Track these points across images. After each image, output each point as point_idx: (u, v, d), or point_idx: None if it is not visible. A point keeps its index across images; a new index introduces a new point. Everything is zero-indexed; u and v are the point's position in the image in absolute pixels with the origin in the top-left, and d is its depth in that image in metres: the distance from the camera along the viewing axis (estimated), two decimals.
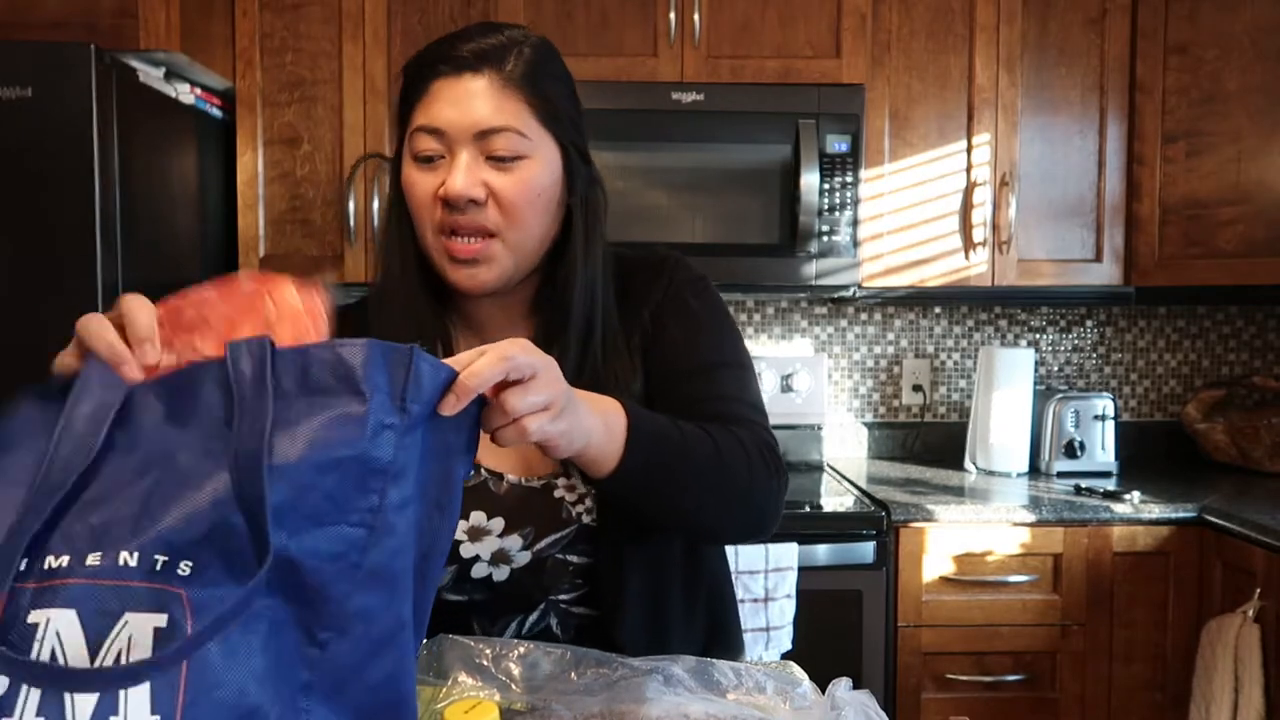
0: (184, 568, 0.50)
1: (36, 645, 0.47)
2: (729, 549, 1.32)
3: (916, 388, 2.72)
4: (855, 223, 2.23)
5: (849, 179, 2.21)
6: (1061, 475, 2.42)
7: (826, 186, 2.20)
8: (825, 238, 2.21)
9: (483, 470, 0.96)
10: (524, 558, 0.95)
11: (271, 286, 0.69)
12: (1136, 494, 2.11)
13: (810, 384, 2.56)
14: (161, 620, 0.49)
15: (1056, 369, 2.74)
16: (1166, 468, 2.54)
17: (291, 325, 0.68)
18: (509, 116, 0.90)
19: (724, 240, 2.19)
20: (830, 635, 2.00)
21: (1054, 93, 2.36)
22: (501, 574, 0.95)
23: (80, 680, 0.46)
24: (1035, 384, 2.54)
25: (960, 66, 2.33)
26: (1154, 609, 2.08)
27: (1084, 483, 2.29)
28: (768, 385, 2.54)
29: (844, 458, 2.69)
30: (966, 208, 2.35)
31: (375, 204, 2.23)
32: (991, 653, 2.07)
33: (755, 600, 1.90)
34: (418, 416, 0.58)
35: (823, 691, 0.71)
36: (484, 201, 0.90)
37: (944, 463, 2.58)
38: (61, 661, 0.47)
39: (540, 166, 0.92)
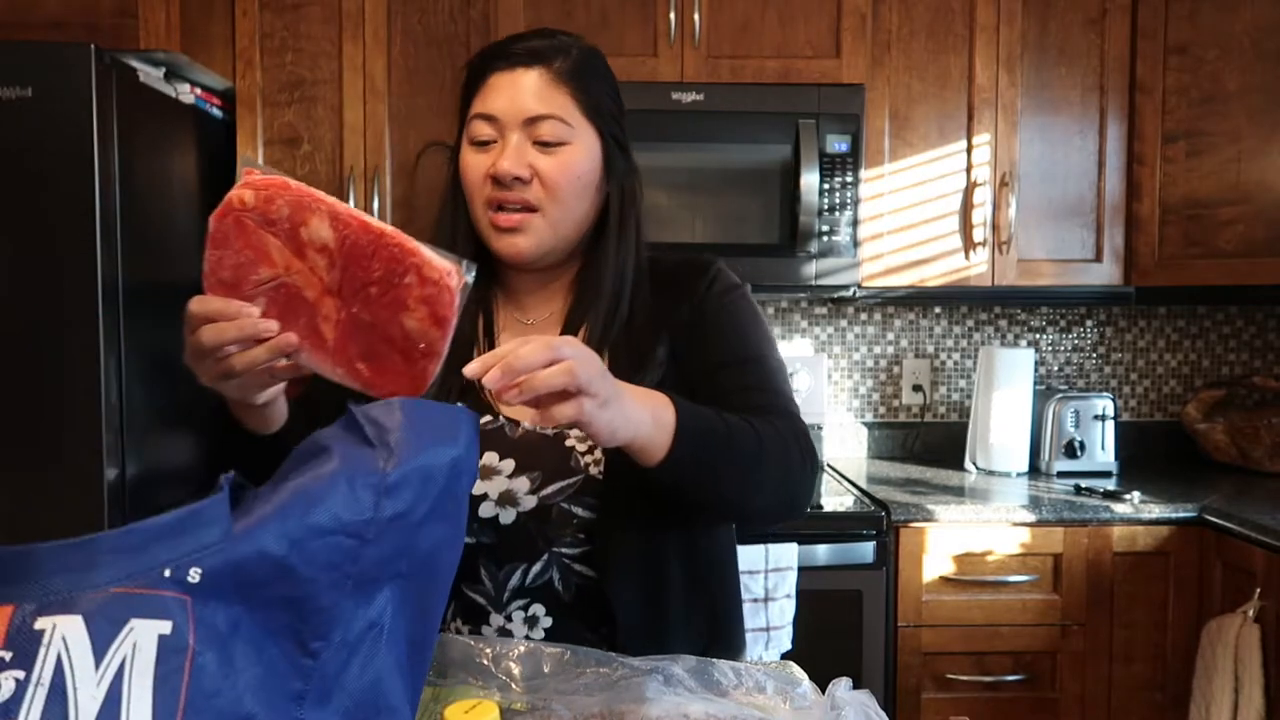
0: (193, 575, 0.50)
1: (42, 651, 0.48)
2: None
3: (916, 388, 2.72)
4: (855, 223, 2.23)
5: (849, 179, 2.21)
6: (1061, 475, 2.42)
7: (826, 186, 2.20)
8: (825, 238, 2.21)
9: (500, 417, 1.03)
10: (530, 502, 1.00)
11: (420, 260, 0.75)
12: (1136, 494, 2.11)
13: (810, 384, 2.56)
14: (166, 628, 0.49)
15: (1056, 369, 2.74)
16: (1166, 468, 2.54)
17: (427, 302, 0.75)
18: (554, 106, 1.01)
19: (724, 240, 2.19)
20: (830, 635, 2.00)
21: (1054, 93, 2.36)
22: (508, 516, 1.00)
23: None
24: (1035, 384, 2.54)
25: (960, 66, 2.33)
26: (1154, 609, 2.08)
27: (1084, 483, 2.29)
28: None
29: (844, 458, 2.69)
30: (966, 208, 2.35)
31: (375, 204, 2.23)
32: (991, 653, 2.07)
33: (755, 600, 1.90)
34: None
35: (823, 691, 0.71)
36: (529, 180, 1.00)
37: (944, 463, 2.58)
38: (67, 668, 0.47)
39: (581, 152, 1.03)
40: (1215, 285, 2.31)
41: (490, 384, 0.74)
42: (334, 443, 0.59)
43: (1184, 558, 2.07)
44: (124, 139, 1.76)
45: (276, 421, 0.93)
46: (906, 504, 2.07)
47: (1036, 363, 2.70)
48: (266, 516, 0.54)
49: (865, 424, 2.73)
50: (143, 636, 0.48)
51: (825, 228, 2.21)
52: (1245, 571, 1.94)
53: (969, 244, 2.35)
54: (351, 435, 0.60)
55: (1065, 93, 2.36)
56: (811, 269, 2.22)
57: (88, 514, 1.70)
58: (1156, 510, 2.07)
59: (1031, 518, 2.06)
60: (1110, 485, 2.27)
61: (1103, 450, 2.45)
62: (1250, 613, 1.88)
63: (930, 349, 2.73)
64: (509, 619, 1.01)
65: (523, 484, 1.00)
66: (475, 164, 1.03)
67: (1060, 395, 2.48)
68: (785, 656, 1.92)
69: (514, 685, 0.77)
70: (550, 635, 1.01)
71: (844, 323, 2.71)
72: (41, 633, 0.48)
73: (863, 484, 2.29)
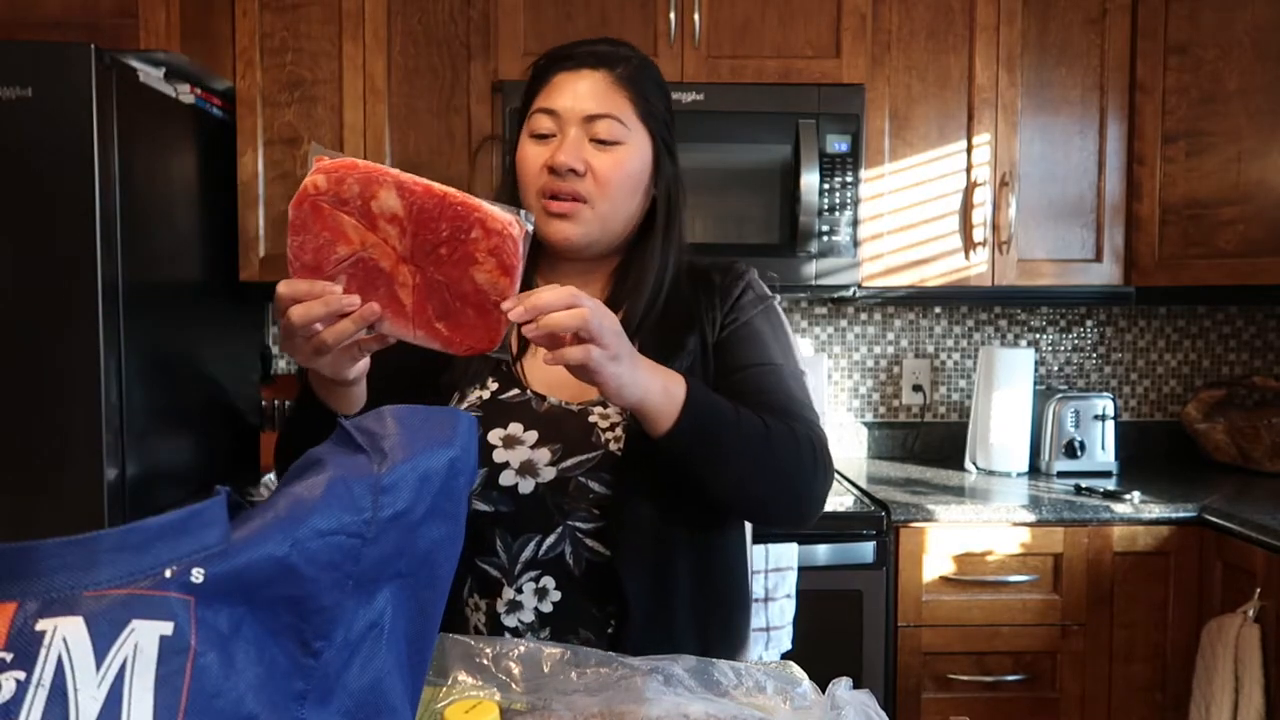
0: (196, 575, 0.50)
1: (43, 652, 0.48)
2: None
3: (916, 388, 2.72)
4: (855, 223, 2.23)
5: (849, 179, 2.21)
6: (1061, 475, 2.42)
7: (826, 186, 2.20)
8: (825, 238, 2.21)
9: (528, 390, 1.08)
10: (549, 473, 1.03)
11: (483, 214, 0.80)
12: (1136, 494, 2.11)
13: (810, 384, 2.56)
14: (168, 628, 0.49)
15: (1056, 369, 2.74)
16: (1166, 468, 2.54)
17: (494, 254, 0.81)
18: (613, 107, 1.07)
19: (724, 240, 2.19)
20: (830, 635, 2.00)
21: (1054, 93, 2.36)
22: (527, 486, 1.03)
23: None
24: (1035, 384, 2.54)
25: (960, 66, 2.33)
26: (1154, 609, 2.08)
27: (1084, 483, 2.29)
28: None
29: (844, 458, 2.69)
30: (966, 208, 2.35)
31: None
32: (991, 653, 2.07)
33: (755, 600, 1.90)
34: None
35: (823, 691, 0.71)
36: (583, 173, 1.06)
37: (944, 463, 2.59)
38: (68, 669, 0.47)
39: (633, 153, 1.09)
40: (1215, 285, 2.31)
41: (514, 318, 0.82)
42: (327, 455, 0.60)
43: (1184, 558, 2.07)
44: (124, 139, 1.76)
45: (359, 402, 0.98)
46: (906, 504, 2.07)
47: (1036, 363, 2.70)
48: (267, 521, 0.54)
49: (865, 424, 2.73)
50: (144, 637, 0.48)
51: (825, 228, 2.21)
52: (1245, 571, 1.94)
53: (969, 244, 2.35)
54: (344, 447, 0.60)
55: (1065, 93, 2.36)
56: (811, 269, 2.22)
57: (88, 514, 1.70)
58: (1156, 510, 2.07)
59: (1031, 518, 2.06)
60: (1110, 485, 2.27)
61: (1103, 450, 2.45)
62: (1250, 613, 1.88)
63: (930, 349, 2.73)
64: (519, 590, 1.03)
65: (544, 455, 1.03)
66: (533, 155, 1.08)
67: (1060, 395, 2.48)
68: (785, 656, 1.92)
69: (514, 685, 0.77)
70: (558, 609, 1.03)
71: (844, 323, 2.71)
72: (42, 634, 0.48)
73: (863, 484, 2.29)
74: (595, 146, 1.07)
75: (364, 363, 0.92)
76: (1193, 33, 2.30)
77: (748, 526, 1.23)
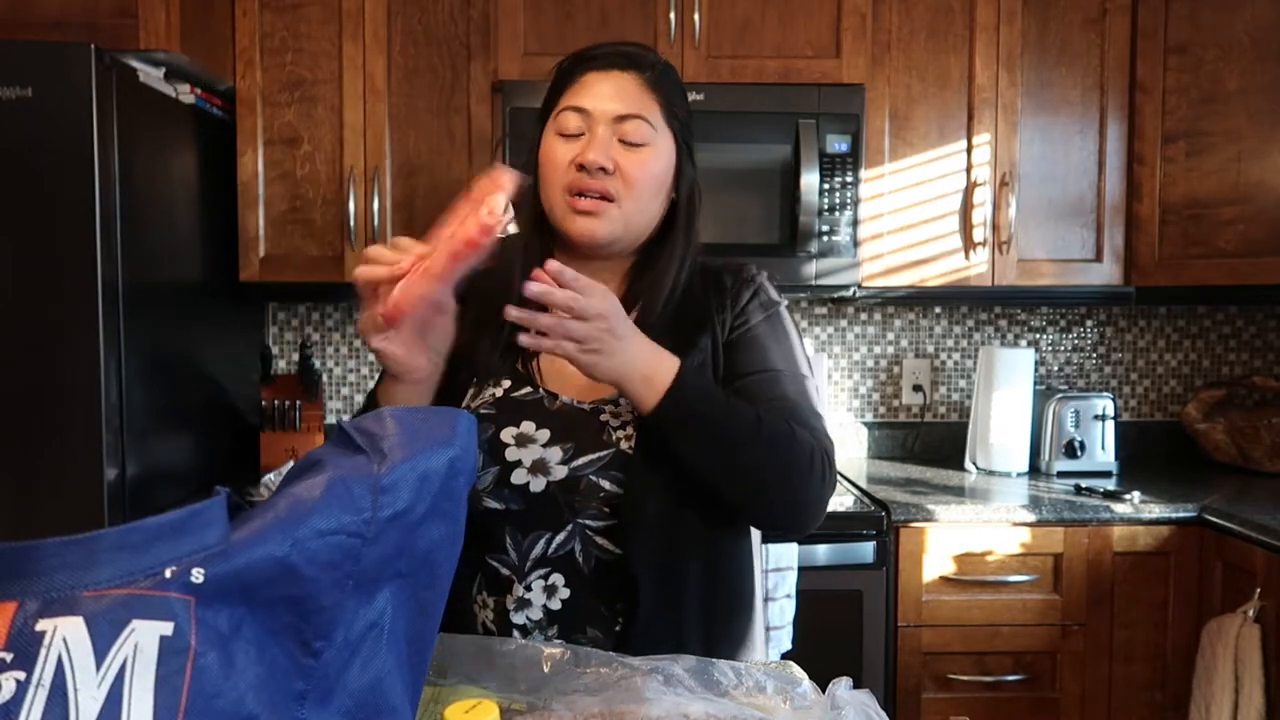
0: (197, 575, 0.50)
1: (43, 652, 0.48)
2: None
3: (916, 388, 2.72)
4: (855, 223, 2.23)
5: (849, 179, 2.21)
6: (1061, 475, 2.42)
7: (826, 186, 2.20)
8: (825, 238, 2.21)
9: (541, 390, 1.10)
10: (561, 472, 1.04)
11: (487, 194, 0.92)
12: (1136, 494, 2.11)
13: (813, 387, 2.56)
14: (168, 629, 0.49)
15: (1056, 369, 2.74)
16: (1166, 468, 2.54)
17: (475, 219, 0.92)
18: (642, 108, 1.09)
19: (724, 240, 2.19)
20: (830, 635, 2.00)
21: (1054, 92, 2.36)
22: (538, 484, 1.04)
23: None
24: (1035, 384, 2.54)
25: (960, 66, 2.33)
26: (1154, 609, 2.08)
27: (1084, 483, 2.29)
28: None
29: (844, 458, 2.69)
30: (966, 208, 2.35)
31: (375, 204, 2.23)
32: (991, 653, 2.07)
33: None
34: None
35: (823, 691, 0.71)
36: (612, 172, 1.07)
37: (944, 463, 2.59)
38: (68, 669, 0.47)
39: (659, 154, 1.10)
40: (1215, 285, 2.31)
41: (533, 292, 0.92)
42: (327, 456, 0.60)
43: (1184, 558, 2.07)
44: (124, 139, 1.76)
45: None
46: (906, 504, 2.07)
47: (1036, 363, 2.70)
48: (267, 521, 0.54)
49: (865, 424, 2.73)
50: (144, 638, 0.48)
51: (825, 228, 2.21)
52: (1245, 571, 1.94)
53: (969, 244, 2.35)
54: (344, 448, 0.60)
55: (1065, 92, 2.36)
56: (811, 269, 2.22)
57: (88, 514, 1.71)
58: (1156, 510, 2.07)
59: (1031, 518, 2.06)
60: (1110, 485, 2.27)
61: (1103, 450, 2.45)
62: (1250, 613, 1.88)
63: (930, 349, 2.73)
64: (528, 588, 1.03)
65: (555, 454, 1.04)
66: (561, 151, 1.09)
67: (1060, 395, 2.48)
68: (785, 656, 1.92)
69: (514, 685, 0.77)
70: (566, 607, 1.03)
71: (844, 323, 2.71)
72: (43, 634, 0.48)
73: (863, 484, 2.29)
74: (623, 146, 1.08)
75: (435, 364, 1.01)
76: (1193, 33, 2.30)
77: (755, 530, 1.23)
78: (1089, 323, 2.74)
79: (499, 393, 1.09)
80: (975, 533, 2.06)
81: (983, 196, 2.34)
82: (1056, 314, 2.73)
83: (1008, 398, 2.45)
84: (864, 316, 2.71)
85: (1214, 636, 1.93)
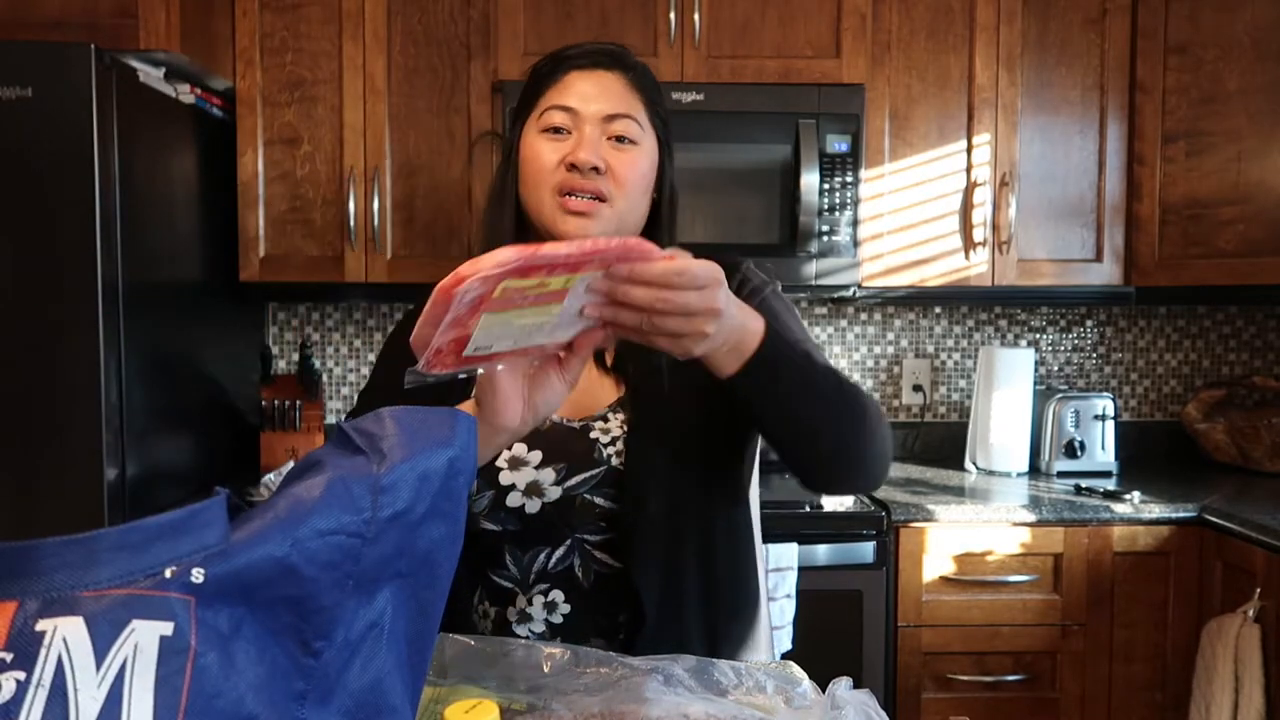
0: (197, 575, 0.50)
1: (43, 652, 0.48)
2: None
3: (916, 388, 2.72)
4: (855, 223, 2.23)
5: (849, 179, 2.21)
6: (1061, 475, 2.42)
7: (826, 186, 2.20)
8: (825, 237, 2.21)
9: None
10: (555, 492, 1.03)
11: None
12: (1136, 494, 2.11)
13: None
14: (168, 629, 0.49)
15: (1056, 369, 2.74)
16: (1166, 468, 2.54)
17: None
18: (631, 107, 1.08)
19: (724, 240, 2.19)
20: (830, 635, 2.00)
21: (1054, 92, 2.36)
22: (534, 506, 1.03)
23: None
24: (1035, 384, 2.54)
25: (960, 66, 2.33)
26: (1154, 609, 2.08)
27: (1084, 483, 2.29)
28: None
29: None
30: (966, 208, 2.35)
31: (375, 204, 2.23)
32: (991, 653, 2.07)
33: None
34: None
35: (823, 691, 0.71)
36: (604, 171, 1.05)
37: (944, 463, 2.58)
38: (68, 669, 0.47)
39: (645, 154, 1.09)
40: (1215, 285, 2.31)
41: (620, 269, 0.77)
42: (326, 456, 0.60)
43: (1184, 558, 2.07)
44: (124, 139, 1.76)
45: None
46: (906, 504, 2.07)
47: (1036, 363, 2.70)
48: (266, 521, 0.54)
49: None
50: (144, 638, 0.48)
51: (825, 228, 2.21)
52: (1245, 571, 1.94)
53: (969, 244, 2.35)
54: (343, 448, 0.60)
55: (1065, 92, 2.36)
56: (811, 269, 2.22)
57: (88, 514, 1.70)
58: (1156, 510, 2.07)
59: (1031, 518, 2.06)
60: (1110, 485, 2.27)
61: (1103, 450, 2.45)
62: (1250, 613, 1.88)
63: (930, 349, 2.73)
64: (530, 602, 1.04)
65: (549, 475, 1.04)
66: (547, 151, 1.06)
67: (1060, 395, 2.48)
68: (785, 656, 1.92)
69: (514, 685, 0.77)
70: (567, 622, 1.03)
71: (844, 323, 2.71)
72: (42, 634, 0.48)
73: None
74: (612, 145, 1.06)
75: (520, 421, 0.86)
76: (1193, 33, 2.30)
77: (757, 531, 1.21)
78: (1089, 323, 2.74)
79: None
80: (975, 533, 2.06)
81: (983, 196, 2.34)
82: (1056, 314, 2.73)
83: (1008, 398, 2.45)
84: (864, 316, 2.71)
85: (1214, 636, 1.93)
